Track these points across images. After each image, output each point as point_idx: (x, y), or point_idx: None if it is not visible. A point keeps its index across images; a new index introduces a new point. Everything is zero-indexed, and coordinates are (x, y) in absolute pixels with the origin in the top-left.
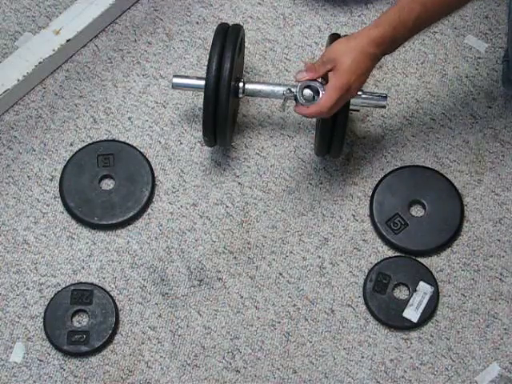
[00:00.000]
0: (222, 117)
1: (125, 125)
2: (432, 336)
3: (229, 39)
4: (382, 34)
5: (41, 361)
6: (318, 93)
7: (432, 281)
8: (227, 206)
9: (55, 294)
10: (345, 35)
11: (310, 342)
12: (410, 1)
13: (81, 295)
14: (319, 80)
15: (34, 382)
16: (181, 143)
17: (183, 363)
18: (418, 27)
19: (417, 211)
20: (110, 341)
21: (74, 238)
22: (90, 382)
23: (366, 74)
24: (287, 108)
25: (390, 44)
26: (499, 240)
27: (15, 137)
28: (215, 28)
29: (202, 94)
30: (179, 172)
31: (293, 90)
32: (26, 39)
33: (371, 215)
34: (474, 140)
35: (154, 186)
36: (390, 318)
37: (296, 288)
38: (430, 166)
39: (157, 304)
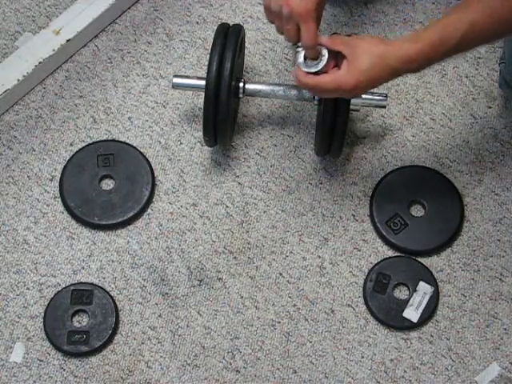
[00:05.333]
0: (223, 117)
1: (125, 125)
2: (432, 336)
3: (229, 39)
4: (417, 52)
5: (41, 361)
6: (320, 61)
7: (432, 281)
8: (227, 206)
9: (55, 294)
10: (347, 35)
11: (310, 342)
12: (457, 19)
13: (81, 295)
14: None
15: (34, 382)
16: (181, 143)
17: (183, 363)
18: (459, 49)
19: (417, 211)
20: (110, 341)
21: (74, 238)
22: (89, 382)
23: (376, 83)
24: (288, 108)
25: (421, 62)
26: (499, 240)
27: (15, 137)
28: (216, 28)
29: (202, 94)
30: (179, 172)
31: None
32: (25, 39)
33: (371, 215)
34: (474, 140)
35: (153, 185)
36: (390, 317)
37: (296, 288)
38: (429, 166)
39: (157, 304)
